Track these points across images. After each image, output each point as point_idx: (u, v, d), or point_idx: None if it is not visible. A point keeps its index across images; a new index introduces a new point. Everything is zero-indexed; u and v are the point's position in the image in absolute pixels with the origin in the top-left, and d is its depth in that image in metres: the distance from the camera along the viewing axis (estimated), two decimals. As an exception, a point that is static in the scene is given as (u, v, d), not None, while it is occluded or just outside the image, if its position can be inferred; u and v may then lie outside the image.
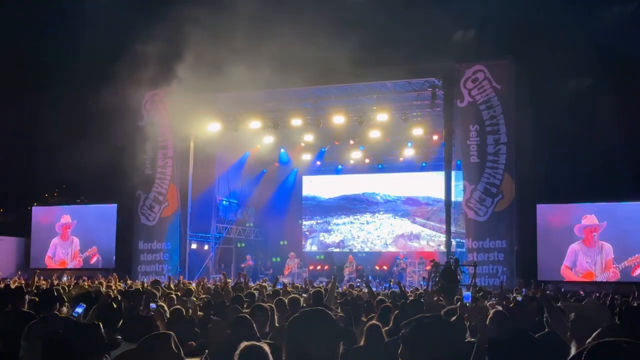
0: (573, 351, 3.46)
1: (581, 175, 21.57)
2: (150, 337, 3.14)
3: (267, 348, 2.82)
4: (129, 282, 17.25)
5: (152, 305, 6.44)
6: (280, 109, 23.27)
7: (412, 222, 27.44)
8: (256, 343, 2.93)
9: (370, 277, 24.47)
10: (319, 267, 26.94)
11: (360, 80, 21.24)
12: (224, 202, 26.67)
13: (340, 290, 13.33)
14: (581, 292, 15.11)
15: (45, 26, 25.29)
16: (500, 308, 7.14)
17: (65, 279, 20.05)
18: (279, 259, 27.37)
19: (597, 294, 13.48)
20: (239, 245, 27.72)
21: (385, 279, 23.71)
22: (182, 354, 3.06)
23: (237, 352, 2.85)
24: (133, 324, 5.56)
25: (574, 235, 21.28)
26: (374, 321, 6.42)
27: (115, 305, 5.66)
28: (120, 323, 5.41)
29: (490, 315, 5.84)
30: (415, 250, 26.55)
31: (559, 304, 7.66)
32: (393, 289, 14.20)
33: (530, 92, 20.71)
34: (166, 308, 7.74)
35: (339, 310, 8.32)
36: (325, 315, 2.79)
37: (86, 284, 15.21)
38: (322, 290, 9.92)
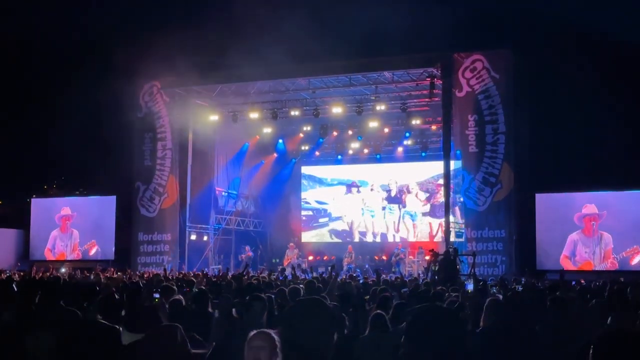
0: None
1: (581, 164, 21.54)
2: (156, 329, 3.14)
3: (274, 334, 2.83)
4: (128, 272, 17.30)
5: (156, 295, 6.46)
6: (279, 100, 23.25)
7: (411, 212, 27.45)
8: (265, 330, 2.94)
9: (367, 267, 24.52)
10: (318, 258, 26.95)
11: (359, 70, 21.21)
12: (223, 193, 26.65)
13: (339, 280, 13.38)
14: (582, 282, 15.15)
15: (43, 17, 25.16)
16: (500, 297, 7.19)
17: (63, 270, 20.06)
18: (277, 260, 27.25)
19: (597, 283, 13.53)
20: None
21: (383, 269, 23.75)
22: (189, 346, 3.07)
23: (248, 338, 2.86)
24: (136, 315, 5.56)
25: (574, 224, 21.23)
26: (378, 310, 6.42)
27: (117, 297, 5.67)
28: (123, 313, 5.42)
29: (486, 304, 5.87)
30: (414, 240, 26.57)
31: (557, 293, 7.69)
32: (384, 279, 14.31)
33: (529, 81, 20.67)
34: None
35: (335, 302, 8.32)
36: (322, 305, 2.78)
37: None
38: (315, 282, 9.97)
